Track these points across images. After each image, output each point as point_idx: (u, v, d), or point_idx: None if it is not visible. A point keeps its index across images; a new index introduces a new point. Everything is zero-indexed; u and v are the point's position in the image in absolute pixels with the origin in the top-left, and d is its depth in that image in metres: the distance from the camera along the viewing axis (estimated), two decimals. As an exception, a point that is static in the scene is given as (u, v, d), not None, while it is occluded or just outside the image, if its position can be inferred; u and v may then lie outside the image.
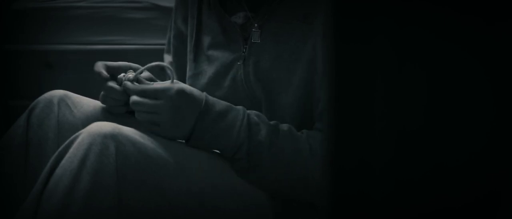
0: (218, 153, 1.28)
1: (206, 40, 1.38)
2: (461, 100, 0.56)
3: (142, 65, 1.30)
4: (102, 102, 1.30)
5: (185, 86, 1.23)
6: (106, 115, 1.32)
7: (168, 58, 1.50)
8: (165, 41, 1.52)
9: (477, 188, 0.58)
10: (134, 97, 1.22)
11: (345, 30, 0.56)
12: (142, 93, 1.22)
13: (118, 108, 1.30)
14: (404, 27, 0.55)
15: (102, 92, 1.29)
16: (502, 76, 0.56)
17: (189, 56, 1.41)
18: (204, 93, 1.25)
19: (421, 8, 0.55)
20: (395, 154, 0.56)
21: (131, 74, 1.26)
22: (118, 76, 1.27)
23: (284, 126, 1.25)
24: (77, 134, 1.14)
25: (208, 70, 1.36)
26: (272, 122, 1.25)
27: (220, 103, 1.24)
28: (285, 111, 1.28)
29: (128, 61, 1.32)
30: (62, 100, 1.28)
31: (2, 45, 2.15)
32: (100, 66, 1.27)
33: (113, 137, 1.13)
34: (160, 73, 1.42)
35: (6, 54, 2.14)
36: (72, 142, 1.13)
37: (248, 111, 1.25)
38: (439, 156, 0.57)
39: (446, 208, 0.57)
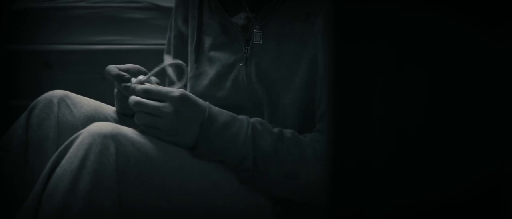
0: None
1: (208, 41, 1.38)
2: (461, 100, 0.57)
3: (143, 66, 1.30)
4: (117, 101, 1.30)
5: (189, 93, 1.20)
6: (106, 115, 1.32)
7: (168, 59, 1.50)
8: (165, 41, 1.52)
9: (476, 187, 0.58)
10: (135, 98, 1.18)
11: (345, 30, 0.56)
12: (145, 93, 1.19)
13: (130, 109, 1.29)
14: (404, 28, 0.55)
15: (116, 91, 1.29)
16: (501, 76, 0.57)
17: (191, 57, 1.41)
18: (208, 103, 1.21)
19: (421, 8, 0.55)
20: (395, 153, 0.57)
21: (142, 77, 1.23)
22: (132, 79, 1.24)
23: (288, 132, 1.23)
24: (77, 134, 1.14)
25: (210, 71, 1.36)
26: (275, 129, 1.23)
27: (224, 114, 1.21)
28: (286, 111, 1.28)
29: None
30: (62, 100, 1.28)
31: (2, 45, 2.15)
32: (114, 69, 1.24)
33: (113, 137, 1.13)
34: (163, 75, 1.42)
35: (6, 54, 2.14)
36: (72, 142, 1.13)
37: (252, 120, 1.22)
38: (439, 155, 0.57)
39: (445, 206, 0.57)
